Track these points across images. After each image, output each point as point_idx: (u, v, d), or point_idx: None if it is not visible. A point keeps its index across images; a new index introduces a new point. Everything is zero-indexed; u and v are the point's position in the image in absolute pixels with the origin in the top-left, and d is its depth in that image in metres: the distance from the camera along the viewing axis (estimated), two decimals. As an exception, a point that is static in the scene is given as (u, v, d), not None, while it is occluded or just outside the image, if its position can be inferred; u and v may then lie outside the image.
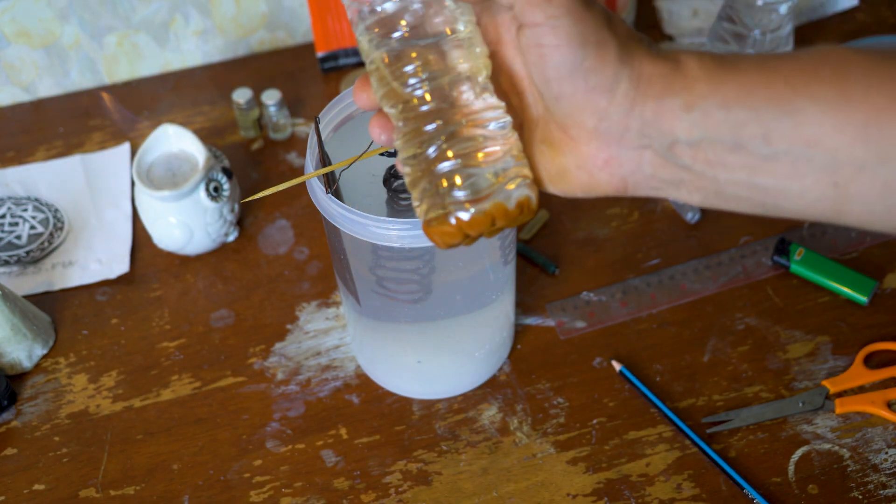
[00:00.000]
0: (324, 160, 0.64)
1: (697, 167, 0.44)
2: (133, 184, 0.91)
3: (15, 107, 1.01)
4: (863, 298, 0.79)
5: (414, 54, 0.45)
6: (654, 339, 0.78)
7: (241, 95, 0.93)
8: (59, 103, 1.01)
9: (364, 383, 0.77)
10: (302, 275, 0.85)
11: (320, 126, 0.65)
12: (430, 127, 0.45)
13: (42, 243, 0.87)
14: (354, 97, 0.49)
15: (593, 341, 0.79)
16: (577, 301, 0.81)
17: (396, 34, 0.45)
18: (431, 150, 0.45)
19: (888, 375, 0.74)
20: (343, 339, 0.80)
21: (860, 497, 0.69)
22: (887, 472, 0.70)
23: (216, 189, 0.82)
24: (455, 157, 0.45)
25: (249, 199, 0.61)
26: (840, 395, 0.74)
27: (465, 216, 0.45)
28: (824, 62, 0.42)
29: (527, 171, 0.47)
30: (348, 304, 0.72)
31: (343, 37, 0.99)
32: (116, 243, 0.88)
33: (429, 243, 0.49)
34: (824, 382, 0.74)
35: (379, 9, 0.45)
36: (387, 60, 0.46)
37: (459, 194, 0.45)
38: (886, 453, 0.71)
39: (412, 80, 0.45)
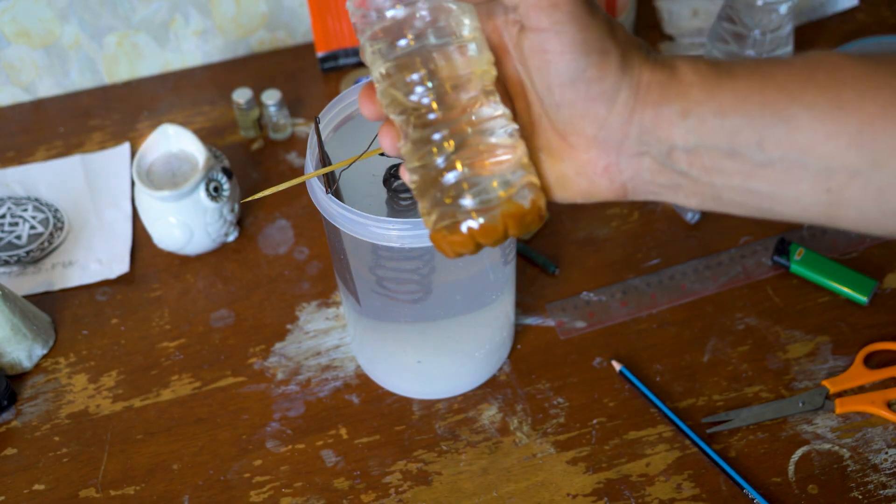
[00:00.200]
0: (324, 160, 0.64)
1: (694, 173, 0.44)
2: (133, 184, 0.91)
3: (15, 107, 1.01)
4: (863, 298, 0.79)
5: (420, 62, 0.45)
6: (654, 339, 0.78)
7: (241, 95, 0.93)
8: (59, 103, 1.01)
9: (364, 383, 0.77)
10: (302, 275, 0.85)
11: (320, 126, 0.65)
12: (437, 136, 0.45)
13: (42, 243, 0.87)
14: (360, 107, 0.48)
15: (593, 341, 0.79)
16: (577, 301, 0.81)
17: (402, 42, 0.45)
18: (440, 160, 0.45)
19: (888, 375, 0.74)
20: (343, 339, 0.80)
21: (860, 497, 0.69)
22: (887, 472, 0.70)
23: (216, 189, 0.82)
24: (463, 166, 0.45)
25: (249, 199, 0.61)
26: (840, 395, 0.74)
27: (474, 225, 0.45)
28: (818, 69, 0.42)
29: (535, 179, 0.47)
30: (348, 304, 0.72)
31: (343, 37, 0.99)
32: (116, 243, 0.88)
33: (428, 243, 0.49)
34: (824, 382, 0.74)
35: (387, 15, 0.45)
36: (393, 69, 0.45)
37: (468, 204, 0.45)
38: (886, 453, 0.71)
39: (419, 89, 0.45)
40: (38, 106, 1.01)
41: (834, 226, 0.45)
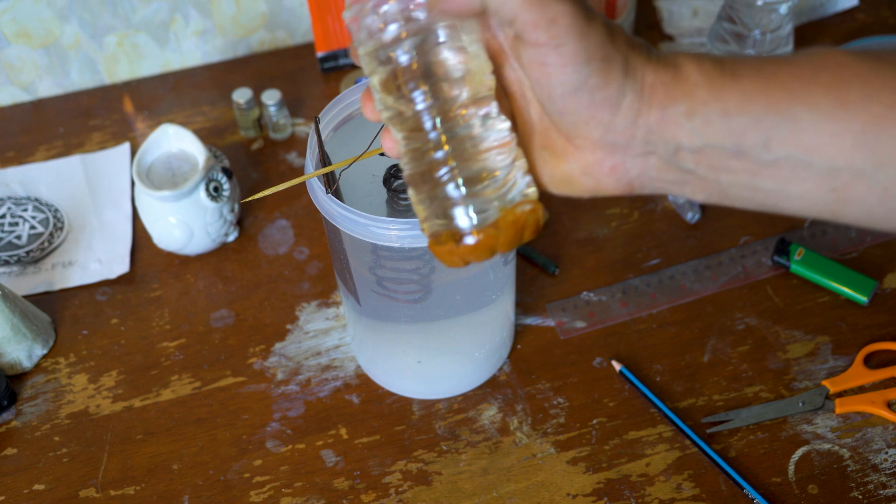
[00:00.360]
0: (324, 160, 0.64)
1: (701, 171, 0.45)
2: (133, 184, 0.91)
3: (15, 107, 1.01)
4: (863, 298, 0.79)
5: (419, 74, 0.44)
6: (654, 339, 0.78)
7: (241, 95, 0.93)
8: (59, 103, 1.01)
9: (364, 383, 0.77)
10: (302, 275, 0.85)
11: (320, 126, 0.65)
12: (437, 154, 0.45)
13: (42, 243, 0.87)
14: (363, 110, 0.48)
15: (593, 341, 0.79)
16: (577, 301, 0.81)
17: (401, 54, 0.44)
18: (440, 173, 0.45)
19: (888, 375, 0.74)
20: (343, 339, 0.80)
21: (860, 497, 0.69)
22: (887, 472, 0.70)
23: (216, 189, 0.82)
24: (461, 179, 0.45)
25: (249, 199, 0.61)
26: (840, 395, 0.74)
27: (471, 241, 0.45)
28: (822, 68, 0.42)
29: (533, 191, 0.47)
30: (348, 304, 0.72)
31: (343, 37, 0.99)
32: (116, 243, 0.88)
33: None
34: (824, 382, 0.74)
35: (385, 27, 0.44)
36: (391, 81, 0.45)
37: (466, 218, 0.45)
38: (886, 453, 0.71)
39: (419, 106, 0.45)
40: (38, 106, 1.01)
41: (840, 222, 0.45)
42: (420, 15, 0.44)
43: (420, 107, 0.45)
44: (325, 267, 0.85)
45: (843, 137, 0.42)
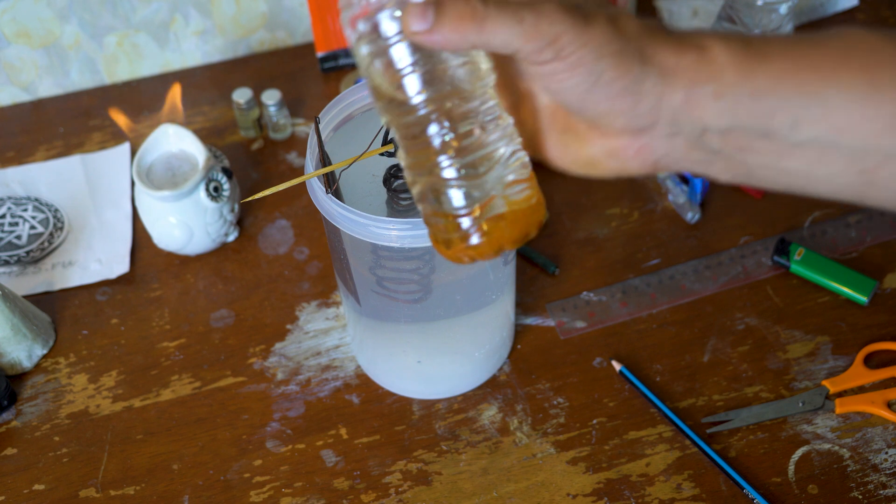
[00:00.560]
0: (324, 160, 0.64)
1: (727, 151, 0.44)
2: (133, 184, 0.91)
3: (15, 107, 1.01)
4: (863, 298, 0.79)
5: (419, 76, 0.44)
6: (654, 339, 0.78)
7: (241, 95, 0.93)
8: (59, 103, 1.01)
9: (364, 383, 0.77)
10: (302, 275, 0.85)
11: (320, 126, 0.65)
12: (441, 158, 0.45)
13: (42, 243, 0.87)
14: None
15: (593, 341, 0.79)
16: (577, 301, 0.81)
17: (401, 61, 0.44)
18: (442, 172, 0.45)
19: (888, 375, 0.74)
20: (343, 339, 0.80)
21: (860, 497, 0.69)
22: (887, 472, 0.70)
23: (216, 189, 0.82)
24: (465, 179, 0.45)
25: (249, 199, 0.61)
26: (840, 395, 0.74)
27: (475, 241, 0.45)
28: (854, 50, 0.42)
29: (536, 191, 0.47)
30: (348, 304, 0.72)
31: (343, 37, 0.99)
32: (116, 243, 0.88)
33: (428, 243, 0.49)
34: (824, 382, 0.74)
35: (386, 35, 0.44)
36: (392, 86, 0.44)
37: (470, 218, 0.45)
38: (886, 453, 0.71)
39: (422, 112, 0.44)
40: (38, 106, 1.01)
41: (865, 204, 0.45)
42: None
43: (424, 112, 0.44)
44: (325, 267, 0.85)
45: (875, 120, 0.41)
